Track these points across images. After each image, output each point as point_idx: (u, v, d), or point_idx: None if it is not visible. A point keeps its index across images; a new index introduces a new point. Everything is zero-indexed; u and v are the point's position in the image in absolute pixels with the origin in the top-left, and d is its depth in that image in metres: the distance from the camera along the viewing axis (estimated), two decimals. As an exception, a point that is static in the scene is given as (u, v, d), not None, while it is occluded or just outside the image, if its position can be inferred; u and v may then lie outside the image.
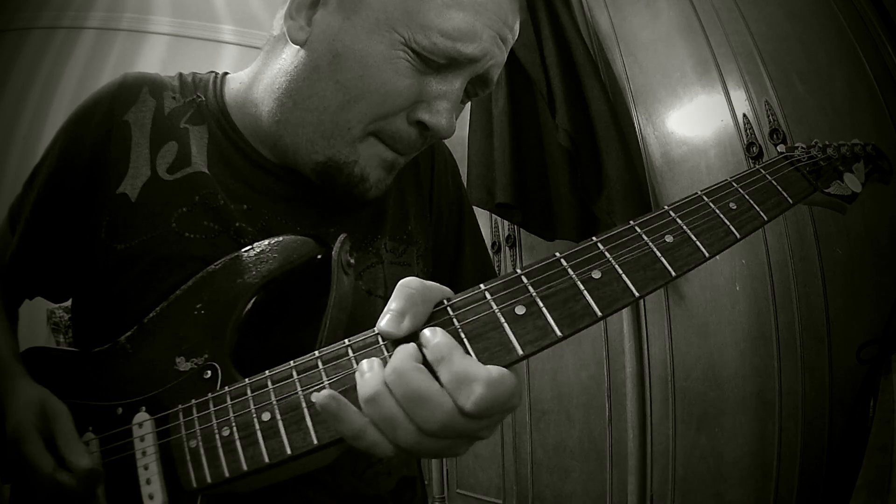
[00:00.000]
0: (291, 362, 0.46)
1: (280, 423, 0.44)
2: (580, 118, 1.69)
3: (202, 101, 0.70)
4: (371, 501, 0.67)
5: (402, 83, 0.60)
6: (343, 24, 0.60)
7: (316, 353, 0.46)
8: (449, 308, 0.44)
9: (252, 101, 0.68)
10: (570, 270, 0.44)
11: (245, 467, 0.44)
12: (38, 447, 0.50)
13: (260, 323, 0.57)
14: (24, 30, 2.62)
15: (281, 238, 0.58)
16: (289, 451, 0.43)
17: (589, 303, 0.43)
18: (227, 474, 0.44)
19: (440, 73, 0.61)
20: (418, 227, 0.78)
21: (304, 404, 0.43)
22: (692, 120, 1.63)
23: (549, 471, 1.92)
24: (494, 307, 0.43)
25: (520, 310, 0.42)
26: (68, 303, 0.71)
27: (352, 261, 0.59)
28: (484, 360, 0.40)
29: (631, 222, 0.48)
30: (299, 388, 0.44)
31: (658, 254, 0.46)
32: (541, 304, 0.42)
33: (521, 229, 1.99)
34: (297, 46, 0.63)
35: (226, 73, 0.75)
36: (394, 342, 0.42)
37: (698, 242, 0.47)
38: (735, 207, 0.51)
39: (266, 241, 0.58)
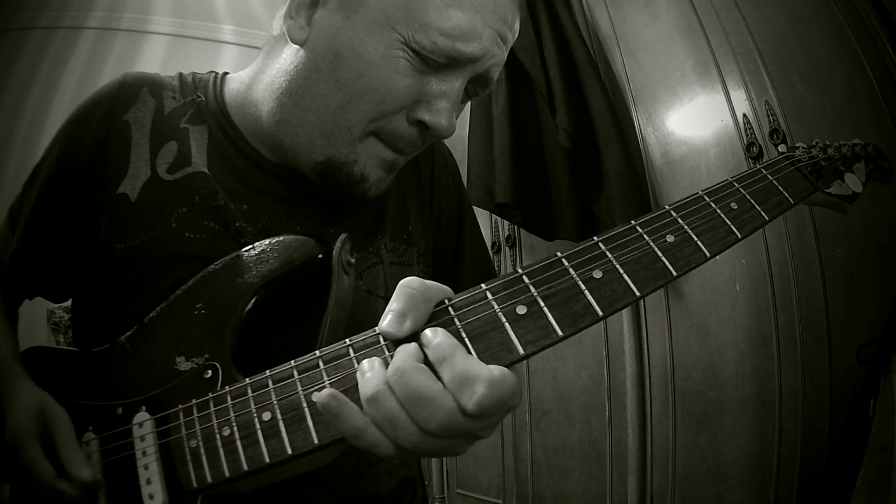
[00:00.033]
0: (292, 362, 0.46)
1: (281, 423, 0.44)
2: (580, 118, 1.69)
3: (202, 100, 0.70)
4: (372, 502, 0.67)
5: (401, 82, 0.60)
6: (343, 23, 0.60)
7: (317, 352, 0.46)
8: (450, 308, 0.44)
9: (252, 100, 0.68)
10: (571, 270, 0.44)
11: (245, 467, 0.44)
12: (37, 454, 0.50)
13: (260, 323, 0.57)
14: (24, 30, 2.62)
15: (281, 238, 0.58)
16: (289, 451, 0.42)
17: (590, 302, 0.43)
18: (227, 474, 0.44)
19: (440, 73, 0.61)
20: (419, 228, 0.78)
21: (304, 404, 0.43)
22: (692, 120, 1.63)
23: (549, 471, 1.92)
24: (495, 307, 0.43)
25: (521, 309, 0.42)
26: (68, 303, 0.71)
27: (352, 260, 0.59)
28: (485, 360, 0.40)
29: (632, 222, 0.48)
30: (300, 388, 0.44)
31: (659, 253, 0.46)
32: (542, 304, 0.42)
33: (521, 229, 1.99)
34: (297, 46, 0.63)
35: (226, 73, 0.75)
36: (395, 342, 0.42)
37: (699, 242, 0.47)
38: (736, 207, 0.51)
39: (266, 241, 0.58)
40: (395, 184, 0.73)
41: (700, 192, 0.51)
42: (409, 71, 0.60)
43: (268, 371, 0.47)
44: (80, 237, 0.64)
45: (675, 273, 0.45)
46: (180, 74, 0.73)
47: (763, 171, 0.55)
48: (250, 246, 0.58)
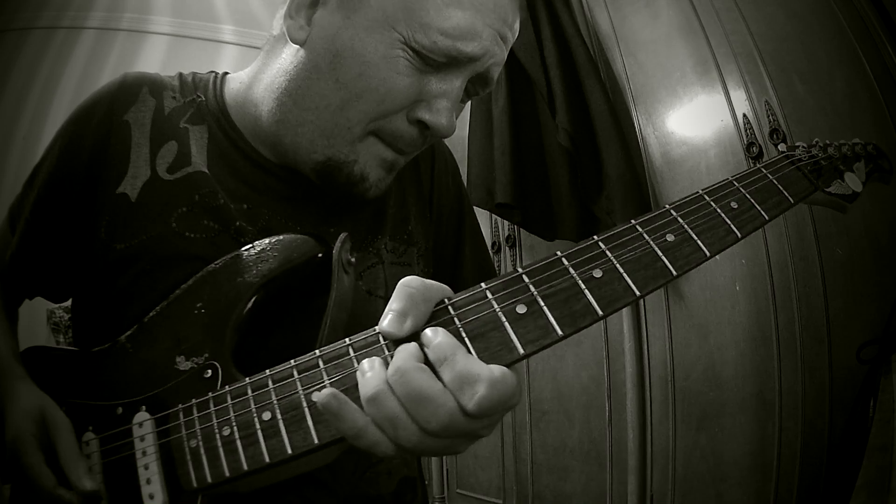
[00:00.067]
0: (292, 361, 0.46)
1: (281, 423, 0.43)
2: (580, 118, 1.69)
3: (202, 100, 0.70)
4: (372, 502, 0.67)
5: (401, 82, 0.60)
6: (343, 23, 0.60)
7: (317, 352, 0.46)
8: (450, 307, 0.44)
9: (252, 100, 0.68)
10: (571, 269, 0.44)
11: (245, 467, 0.44)
12: (38, 460, 0.50)
13: (260, 322, 0.57)
14: (24, 30, 2.62)
15: (281, 237, 0.58)
16: (289, 451, 0.42)
17: (590, 302, 0.43)
18: (227, 474, 0.44)
19: (440, 72, 0.61)
20: (419, 228, 0.77)
21: (304, 403, 0.43)
22: (692, 120, 1.63)
23: (549, 471, 1.91)
24: (495, 306, 0.43)
25: (521, 309, 0.42)
26: (68, 303, 0.71)
27: (352, 260, 0.59)
28: (485, 360, 0.40)
29: (632, 221, 0.48)
30: (300, 388, 0.44)
31: (659, 253, 0.46)
32: (542, 304, 0.42)
33: (521, 229, 1.99)
34: (297, 46, 0.63)
35: (226, 73, 0.75)
36: (395, 342, 0.42)
37: (699, 242, 0.47)
38: (736, 206, 0.51)
39: (266, 240, 0.58)
40: (395, 184, 0.73)
41: (700, 192, 0.51)
42: (409, 70, 0.60)
43: (267, 371, 0.47)
44: (80, 237, 0.64)
45: (675, 272, 0.45)
46: (180, 74, 0.73)
47: (763, 170, 0.55)
48: (250, 245, 0.58)
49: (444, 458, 2.32)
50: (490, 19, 0.59)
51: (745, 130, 1.47)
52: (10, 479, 0.55)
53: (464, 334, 0.42)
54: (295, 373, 0.45)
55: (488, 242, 2.08)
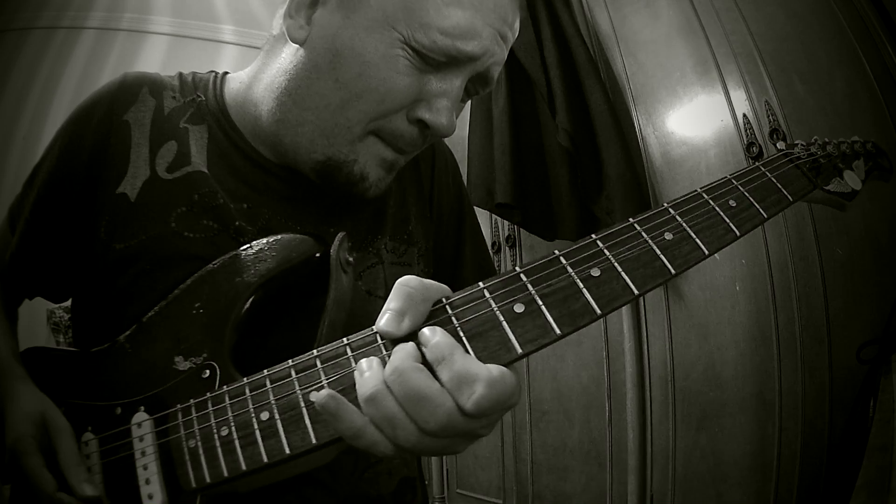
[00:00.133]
0: (290, 361, 0.46)
1: (279, 423, 0.43)
2: (580, 118, 1.69)
3: (202, 100, 0.70)
4: (372, 502, 0.67)
5: (401, 81, 0.60)
6: (342, 22, 0.60)
7: (314, 352, 0.46)
8: (448, 307, 0.44)
9: (252, 100, 0.68)
10: (569, 268, 0.44)
11: (244, 467, 0.44)
12: (38, 463, 0.50)
13: (259, 322, 0.57)
14: (24, 30, 2.62)
15: (280, 236, 0.58)
16: (287, 451, 0.42)
17: (588, 301, 0.42)
18: (225, 474, 0.44)
19: (440, 72, 0.61)
20: (419, 228, 0.77)
21: (302, 404, 0.43)
22: (692, 120, 1.63)
23: (549, 471, 1.91)
24: (493, 306, 0.43)
25: (519, 308, 0.42)
26: (68, 303, 0.71)
27: (350, 259, 0.59)
28: (483, 359, 0.40)
29: (630, 220, 0.47)
30: (298, 388, 0.44)
31: (657, 251, 0.45)
32: (540, 303, 0.42)
33: (521, 229, 1.99)
34: (297, 45, 0.63)
35: (226, 73, 0.75)
36: (393, 341, 0.42)
37: (698, 240, 0.47)
38: (735, 205, 0.50)
39: (265, 240, 0.58)
40: (395, 184, 0.73)
41: (699, 190, 0.51)
42: (409, 70, 0.60)
43: (265, 371, 0.47)
44: (80, 237, 0.64)
45: (673, 271, 0.45)
46: (180, 74, 0.73)
47: (762, 168, 0.55)
48: (248, 245, 0.58)
49: (444, 458, 2.32)
50: (490, 18, 0.59)
51: (745, 130, 1.47)
52: (9, 479, 0.55)
53: (462, 334, 0.42)
54: (293, 373, 0.45)
55: (488, 242, 2.08)
